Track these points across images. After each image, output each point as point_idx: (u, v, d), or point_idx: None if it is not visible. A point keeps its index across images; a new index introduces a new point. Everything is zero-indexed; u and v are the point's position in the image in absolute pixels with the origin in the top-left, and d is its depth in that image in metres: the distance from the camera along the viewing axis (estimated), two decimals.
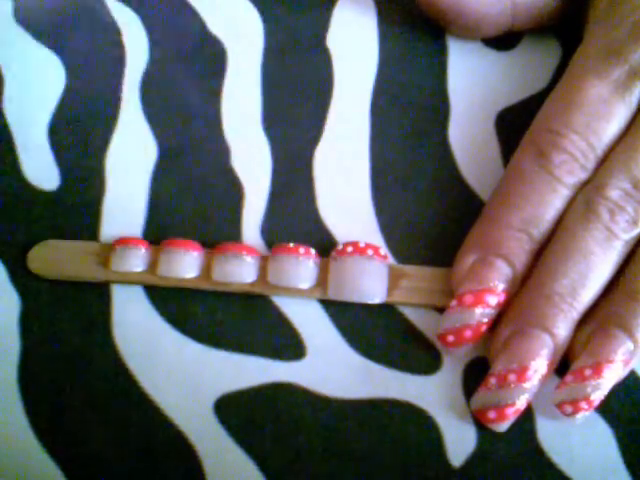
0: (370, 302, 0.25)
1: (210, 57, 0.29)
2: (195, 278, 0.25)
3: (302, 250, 0.25)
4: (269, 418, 0.24)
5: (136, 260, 0.25)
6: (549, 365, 0.23)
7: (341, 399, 0.24)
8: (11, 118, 0.28)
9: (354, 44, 0.29)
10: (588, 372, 0.23)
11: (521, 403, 0.23)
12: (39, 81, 0.29)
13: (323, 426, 0.24)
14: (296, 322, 0.25)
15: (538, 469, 0.23)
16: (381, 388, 0.24)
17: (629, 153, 0.23)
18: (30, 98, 0.28)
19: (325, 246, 0.26)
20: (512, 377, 0.23)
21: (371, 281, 0.25)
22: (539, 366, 0.23)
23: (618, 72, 0.24)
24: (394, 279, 0.25)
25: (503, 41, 0.29)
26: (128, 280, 0.25)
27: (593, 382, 0.22)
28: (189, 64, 0.29)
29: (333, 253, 0.25)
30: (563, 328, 0.23)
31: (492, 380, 0.23)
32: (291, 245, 0.25)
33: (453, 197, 0.27)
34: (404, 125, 0.28)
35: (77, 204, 0.27)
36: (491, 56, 0.29)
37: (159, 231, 0.26)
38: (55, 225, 0.26)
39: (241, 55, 0.29)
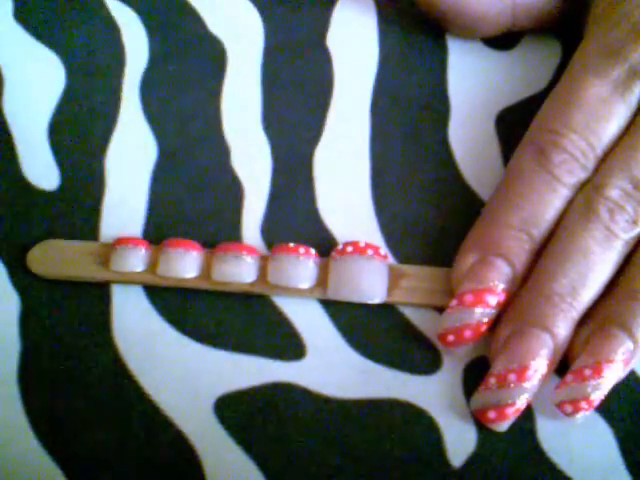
0: (370, 302, 0.25)
1: (210, 57, 0.29)
2: (195, 278, 0.25)
3: (302, 250, 0.25)
4: (269, 418, 0.24)
5: (136, 260, 0.25)
6: (549, 365, 0.23)
7: (341, 399, 0.24)
8: (11, 118, 0.28)
9: (354, 44, 0.29)
10: (588, 372, 0.23)
11: (521, 403, 0.23)
12: (39, 81, 0.29)
13: (323, 426, 0.24)
14: (296, 322, 0.25)
15: (538, 469, 0.23)
16: (381, 388, 0.24)
17: (629, 153, 0.23)
18: (30, 98, 0.28)
19: (325, 246, 0.26)
20: (512, 377, 0.23)
21: (371, 281, 0.25)
22: (539, 366, 0.23)
23: (618, 72, 0.24)
24: (394, 279, 0.25)
25: (503, 41, 0.29)
26: (128, 280, 0.25)
27: (593, 382, 0.22)
28: (189, 64, 0.29)
29: (333, 253, 0.25)
30: (563, 328, 0.23)
31: (492, 380, 0.23)
32: (291, 245, 0.25)
33: (453, 197, 0.27)
34: (404, 125, 0.28)
35: (77, 204, 0.27)
36: (491, 56, 0.29)
37: (159, 231, 0.26)
38: (55, 225, 0.26)
39: (241, 55, 0.29)
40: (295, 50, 0.29)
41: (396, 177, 0.27)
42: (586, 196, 0.23)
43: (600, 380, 0.22)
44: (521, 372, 0.23)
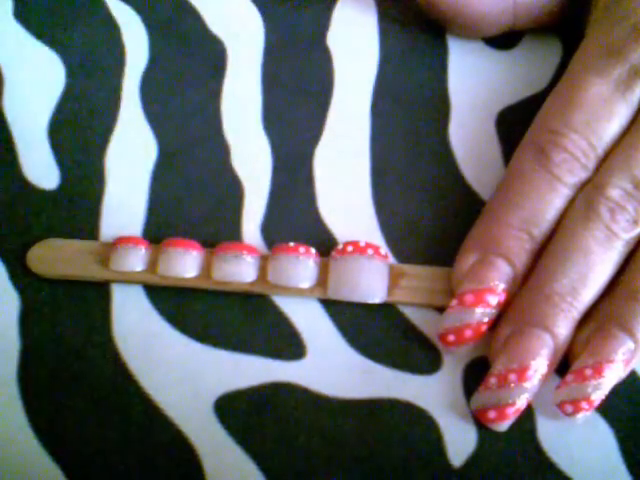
0: (370, 302, 0.25)
1: (210, 57, 0.29)
2: (195, 278, 0.25)
3: (302, 249, 0.25)
4: (269, 418, 0.24)
5: (136, 259, 0.25)
6: (549, 365, 0.23)
7: (341, 399, 0.24)
8: (11, 118, 0.28)
9: (354, 43, 0.29)
10: (589, 372, 0.23)
11: (521, 403, 0.23)
12: (39, 81, 0.29)
13: (323, 426, 0.24)
14: (296, 322, 0.25)
15: (538, 469, 0.23)
16: (381, 388, 0.24)
17: (630, 152, 0.23)
18: (30, 98, 0.28)
19: (325, 246, 0.26)
20: (512, 377, 0.23)
21: (371, 280, 0.25)
22: (539, 366, 0.23)
23: (619, 71, 0.24)
24: (394, 279, 0.25)
25: (504, 40, 0.29)
26: (128, 279, 0.25)
27: (594, 382, 0.22)
28: (189, 64, 0.29)
29: (333, 253, 0.25)
30: (563, 328, 0.23)
31: (492, 380, 0.23)
32: (291, 244, 0.25)
33: (453, 196, 0.27)
34: (404, 125, 0.28)
35: (77, 203, 0.27)
36: (492, 55, 0.29)
37: (159, 230, 0.26)
38: (55, 224, 0.26)
39: (241, 55, 0.29)
40: (295, 50, 0.29)
41: (396, 177, 0.27)
42: (587, 196, 0.23)
43: (601, 380, 0.22)
44: (521, 372, 0.23)
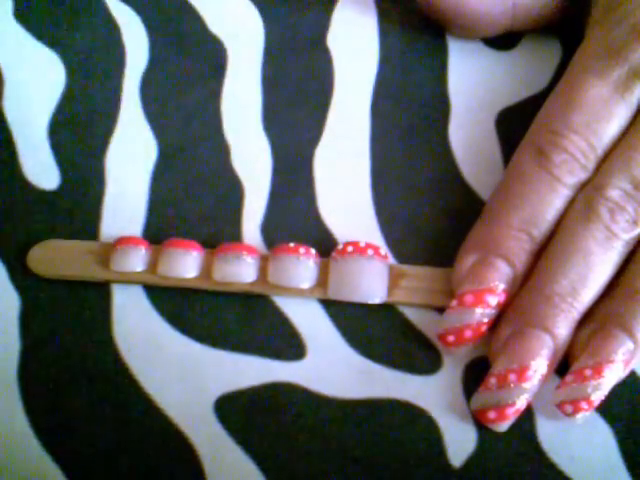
0: (370, 302, 0.25)
1: (210, 57, 0.29)
2: (195, 278, 0.25)
3: (302, 250, 0.25)
4: (269, 418, 0.24)
5: (136, 260, 0.25)
6: (549, 365, 0.23)
7: (341, 399, 0.24)
8: (11, 118, 0.28)
9: (354, 44, 0.29)
10: (588, 372, 0.23)
11: (521, 403, 0.23)
12: (39, 81, 0.29)
13: (323, 426, 0.24)
14: (296, 322, 0.25)
15: (538, 469, 0.23)
16: (381, 388, 0.24)
17: (629, 153, 0.23)
18: (30, 98, 0.28)
19: (325, 246, 0.26)
20: (512, 377, 0.23)
21: (371, 281, 0.25)
22: (539, 366, 0.23)
23: (618, 72, 0.24)
24: (394, 279, 0.25)
25: (503, 41, 0.29)
26: (128, 280, 0.25)
27: (593, 382, 0.22)
28: (189, 64, 0.29)
29: (333, 253, 0.25)
30: (563, 328, 0.23)
31: (492, 380, 0.23)
32: (291, 245, 0.25)
33: (453, 197, 0.27)
34: (404, 125, 0.28)
35: (77, 204, 0.27)
36: (491, 56, 0.29)
37: (159, 231, 0.26)
38: (55, 225, 0.26)
39: (241, 55, 0.29)
40: (295, 50, 0.29)
41: (396, 177, 0.27)
42: (586, 196, 0.23)
43: (600, 380, 0.22)
44: (521, 372, 0.23)
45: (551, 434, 0.24)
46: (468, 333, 0.23)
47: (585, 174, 0.24)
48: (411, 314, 0.25)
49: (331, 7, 0.30)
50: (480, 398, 0.23)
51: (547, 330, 0.23)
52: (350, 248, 0.25)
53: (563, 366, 0.24)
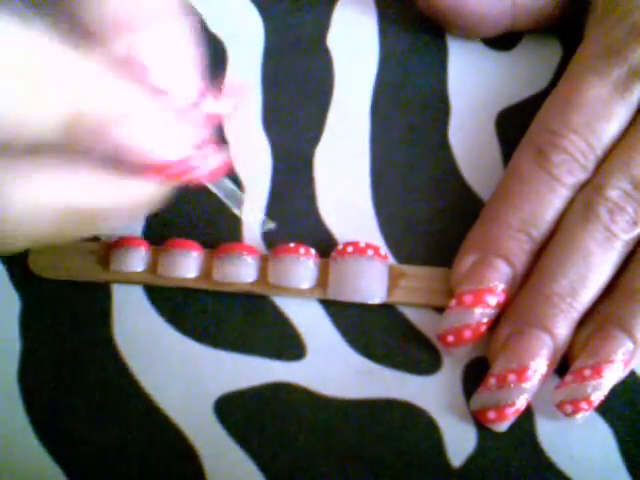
0: (370, 302, 0.25)
1: (210, 57, 0.29)
2: (195, 278, 0.25)
3: (302, 250, 0.25)
4: (269, 418, 0.24)
5: (136, 260, 0.25)
6: (549, 365, 0.23)
7: (341, 399, 0.24)
8: None
9: (354, 44, 0.29)
10: (588, 372, 0.23)
11: (521, 403, 0.23)
12: None
13: (323, 426, 0.24)
14: (296, 322, 0.25)
15: (538, 469, 0.23)
16: (381, 388, 0.24)
17: (629, 153, 0.23)
18: None
19: (325, 246, 0.26)
20: (512, 377, 0.23)
21: (371, 281, 0.25)
22: (539, 366, 0.23)
23: (618, 72, 0.24)
24: (394, 279, 0.25)
25: (503, 41, 0.29)
26: (128, 280, 0.25)
27: (593, 382, 0.22)
28: None
29: (333, 253, 0.25)
30: (563, 328, 0.23)
31: (492, 380, 0.23)
32: (291, 245, 0.25)
33: (453, 197, 0.27)
34: (404, 124, 0.28)
35: None
36: (491, 56, 0.29)
37: (159, 231, 0.26)
38: None
39: (241, 55, 0.29)
40: (295, 50, 0.29)
41: (396, 177, 0.27)
42: (586, 197, 0.23)
43: (600, 380, 0.22)
44: (521, 372, 0.23)
45: (551, 434, 0.24)
46: (467, 333, 0.23)
47: (584, 174, 0.24)
48: (411, 314, 0.25)
49: (331, 7, 0.30)
50: (480, 398, 0.23)
51: (547, 330, 0.23)
52: (350, 248, 0.25)
53: (563, 366, 0.24)
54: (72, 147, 0.18)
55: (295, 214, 0.27)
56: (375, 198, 0.27)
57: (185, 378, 0.24)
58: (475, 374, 0.24)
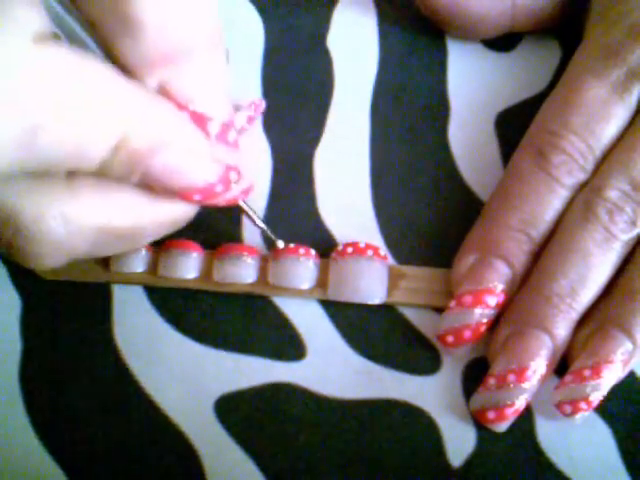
0: (370, 303, 0.25)
1: None
2: (196, 279, 0.25)
3: (302, 251, 0.25)
4: (269, 418, 0.24)
5: (137, 261, 0.25)
6: (548, 365, 0.23)
7: (341, 399, 0.24)
8: None
9: (354, 45, 0.29)
10: (587, 372, 0.23)
11: (520, 403, 0.23)
12: None
13: (323, 426, 0.24)
14: (296, 322, 0.25)
15: (538, 469, 0.23)
16: (381, 388, 0.24)
17: (628, 154, 0.23)
18: None
19: (325, 246, 0.26)
20: (511, 377, 0.23)
21: (371, 282, 0.25)
22: (538, 366, 0.23)
23: (617, 73, 0.24)
24: (394, 280, 0.25)
25: (503, 42, 0.29)
26: (129, 281, 0.25)
27: (592, 382, 0.23)
28: None
29: (333, 254, 0.25)
30: (562, 328, 0.23)
31: (491, 380, 0.23)
32: (291, 245, 0.25)
33: (453, 198, 0.27)
34: (404, 125, 0.28)
35: None
36: (491, 57, 0.29)
37: None
38: None
39: (241, 55, 0.29)
40: (295, 51, 0.29)
41: (396, 177, 0.27)
42: (585, 197, 0.23)
43: (599, 381, 0.22)
44: (520, 373, 0.23)
45: (550, 434, 0.24)
46: (467, 333, 0.23)
47: (584, 175, 0.24)
48: (410, 314, 0.25)
49: (331, 8, 0.30)
50: (479, 398, 0.23)
51: (546, 330, 0.23)
52: (350, 249, 0.25)
53: (562, 366, 0.24)
54: (115, 171, 0.18)
55: (295, 214, 0.27)
56: (375, 198, 0.27)
57: (185, 378, 0.25)
58: (475, 374, 0.24)
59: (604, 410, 0.24)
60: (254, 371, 0.25)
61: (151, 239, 0.22)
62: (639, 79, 0.24)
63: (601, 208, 0.23)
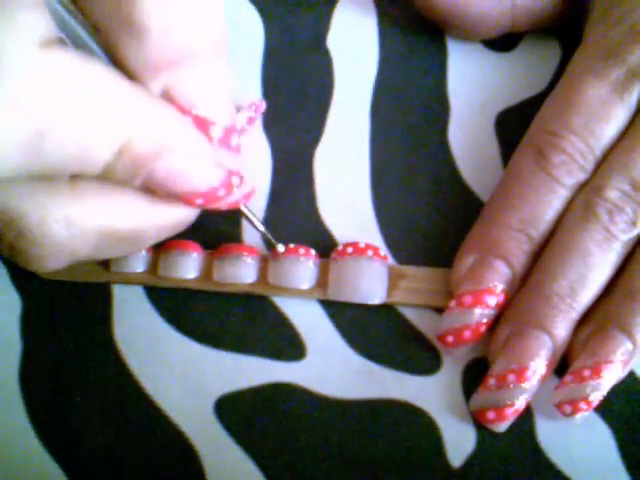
0: (370, 303, 0.25)
1: None
2: (196, 279, 0.25)
3: (302, 251, 0.25)
4: (269, 418, 0.24)
5: (137, 261, 0.25)
6: (548, 365, 0.23)
7: (341, 399, 0.24)
8: None
9: (354, 45, 0.29)
10: (587, 372, 0.23)
11: (520, 403, 0.23)
12: None
13: (323, 426, 0.24)
14: (296, 322, 0.25)
15: (537, 469, 0.23)
16: (381, 388, 0.24)
17: (628, 154, 0.23)
18: None
19: (325, 246, 0.26)
20: (511, 377, 0.23)
21: (371, 282, 0.25)
22: (538, 366, 0.23)
23: (617, 73, 0.24)
24: (394, 280, 0.25)
25: (503, 42, 0.29)
26: (129, 281, 0.25)
27: (592, 382, 0.23)
28: None
29: (333, 254, 0.25)
30: (562, 328, 0.23)
31: (491, 380, 0.23)
32: (291, 245, 0.25)
33: (453, 198, 0.27)
34: (404, 125, 0.28)
35: None
36: (491, 57, 0.29)
37: None
38: None
39: (241, 55, 0.29)
40: (295, 51, 0.29)
41: (396, 177, 0.27)
42: (585, 197, 0.23)
43: (599, 381, 0.23)
44: (520, 373, 0.23)
45: (550, 434, 0.24)
46: (467, 334, 0.23)
47: (584, 175, 0.24)
48: (410, 315, 0.25)
49: (331, 8, 0.30)
50: (479, 398, 0.23)
51: (546, 330, 0.23)
52: (350, 249, 0.25)
53: (562, 366, 0.24)
54: (118, 174, 0.18)
55: (295, 214, 0.27)
56: (375, 198, 0.27)
57: (185, 378, 0.25)
58: (475, 374, 0.24)
59: (604, 410, 0.24)
60: (254, 371, 0.25)
61: (152, 242, 0.22)
62: (639, 79, 0.24)
63: (601, 208, 0.23)
